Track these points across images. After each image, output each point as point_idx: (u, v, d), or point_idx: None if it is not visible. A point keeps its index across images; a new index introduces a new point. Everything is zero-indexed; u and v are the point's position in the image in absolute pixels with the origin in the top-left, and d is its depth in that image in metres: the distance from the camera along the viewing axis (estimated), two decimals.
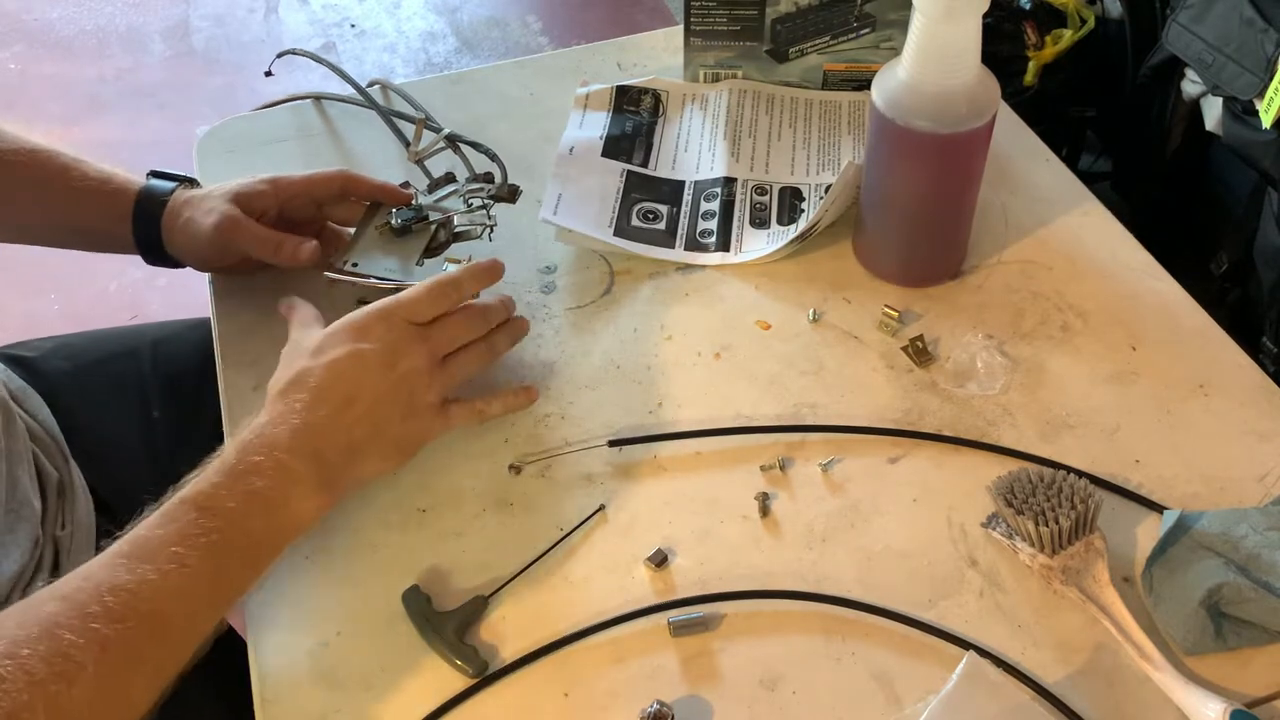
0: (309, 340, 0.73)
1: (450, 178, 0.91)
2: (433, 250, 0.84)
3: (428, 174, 0.92)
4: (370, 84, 1.06)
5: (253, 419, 0.69)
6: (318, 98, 1.07)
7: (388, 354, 0.72)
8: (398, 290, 0.79)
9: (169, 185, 0.87)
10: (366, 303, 0.82)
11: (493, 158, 0.93)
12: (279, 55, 1.08)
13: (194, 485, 0.64)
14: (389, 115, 1.02)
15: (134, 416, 0.95)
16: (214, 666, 0.79)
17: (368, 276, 0.82)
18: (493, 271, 0.78)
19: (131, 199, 0.86)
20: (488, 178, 0.91)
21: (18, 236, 0.91)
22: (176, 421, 0.95)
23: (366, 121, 1.04)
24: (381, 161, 1.00)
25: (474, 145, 0.95)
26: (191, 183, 0.89)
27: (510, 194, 0.89)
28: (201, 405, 0.89)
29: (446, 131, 0.96)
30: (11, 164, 0.86)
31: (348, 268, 0.82)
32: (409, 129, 1.00)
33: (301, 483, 0.67)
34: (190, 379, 0.96)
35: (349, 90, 1.05)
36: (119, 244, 0.87)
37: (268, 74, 1.10)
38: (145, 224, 0.86)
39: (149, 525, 0.62)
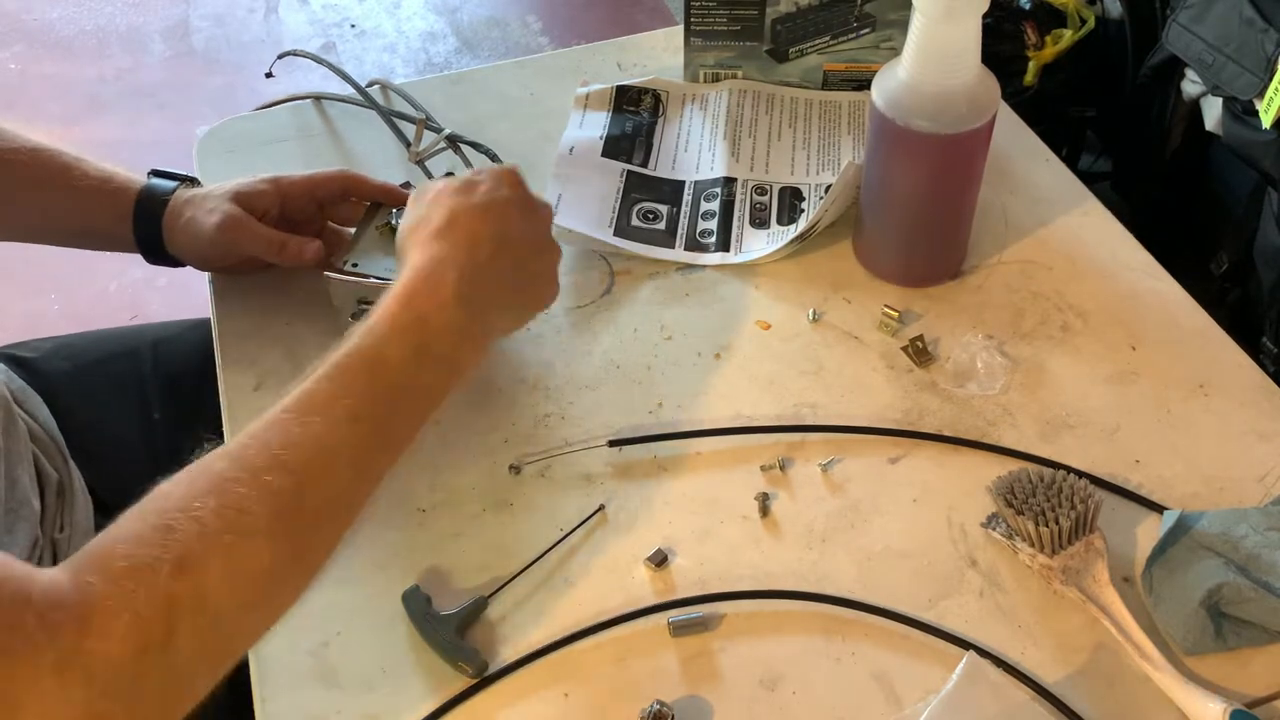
0: (448, 183, 0.72)
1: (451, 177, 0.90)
2: None
3: (428, 174, 0.92)
4: (370, 84, 1.06)
5: (408, 260, 0.68)
6: (318, 98, 1.07)
7: (525, 200, 0.73)
8: None
9: (170, 185, 0.87)
10: (368, 303, 0.82)
11: (493, 158, 0.93)
12: (280, 56, 1.08)
13: (360, 339, 0.63)
14: (389, 116, 1.02)
15: (134, 417, 0.95)
16: None
17: (368, 276, 0.82)
18: None
19: (132, 198, 0.86)
20: None
21: (20, 236, 0.91)
22: (177, 422, 0.95)
23: (367, 122, 1.04)
24: (381, 162, 1.00)
25: (474, 145, 0.95)
26: (193, 182, 0.89)
27: None
28: (202, 406, 0.89)
29: (447, 132, 0.96)
30: (12, 163, 0.86)
31: (348, 268, 0.82)
32: (409, 129, 0.99)
33: (467, 333, 0.67)
34: (190, 379, 0.96)
35: (349, 90, 1.05)
36: (120, 243, 0.87)
37: (268, 75, 1.10)
38: (146, 223, 0.86)
39: (317, 380, 0.61)
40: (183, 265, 0.89)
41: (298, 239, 0.84)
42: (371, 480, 0.62)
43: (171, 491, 0.55)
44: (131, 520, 0.53)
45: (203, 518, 0.53)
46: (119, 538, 0.52)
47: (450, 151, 0.96)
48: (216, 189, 0.86)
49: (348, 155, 1.02)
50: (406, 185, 0.88)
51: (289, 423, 0.58)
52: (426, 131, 0.97)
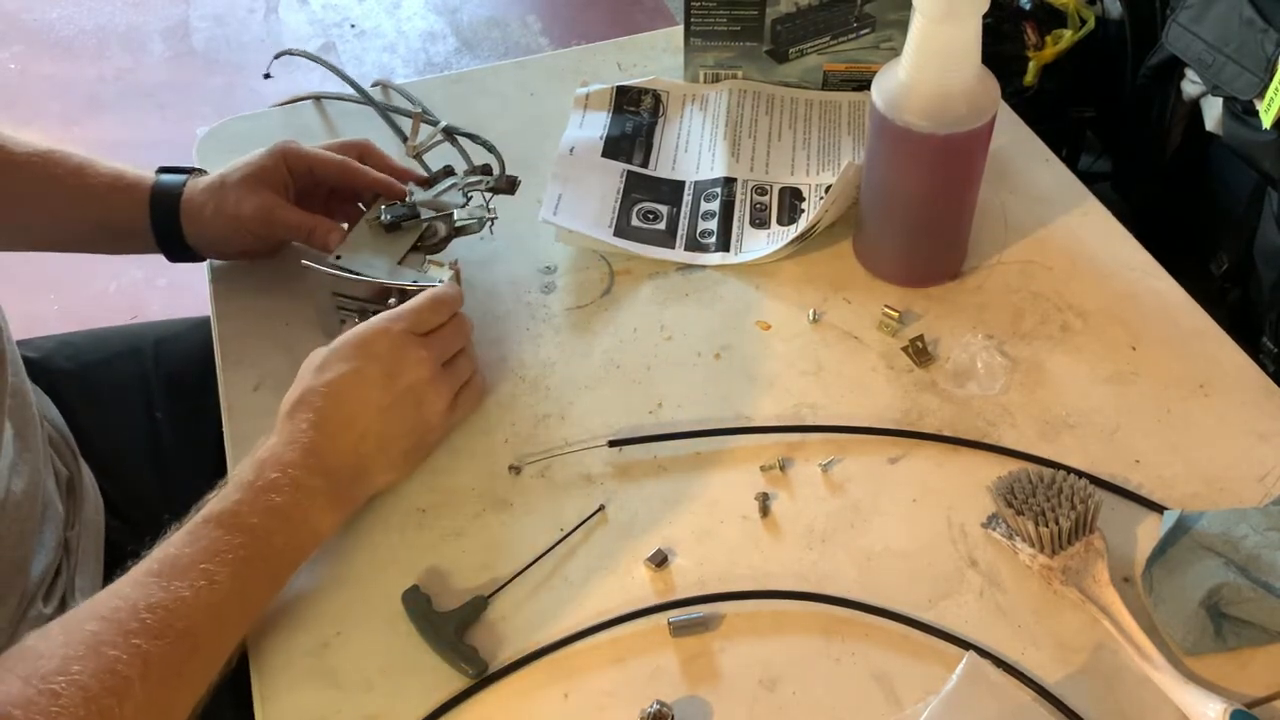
0: (316, 357, 0.74)
1: (449, 171, 0.90)
2: (432, 247, 0.84)
3: (426, 168, 0.92)
4: (374, 84, 1.06)
5: (266, 439, 0.70)
6: (326, 98, 1.07)
7: (391, 368, 0.73)
8: (375, 286, 0.80)
9: (180, 178, 0.88)
10: (343, 295, 0.82)
11: (490, 149, 0.92)
12: (276, 56, 1.08)
13: (216, 503, 0.66)
14: (386, 111, 1.02)
15: (137, 415, 0.95)
16: None
17: (347, 270, 0.81)
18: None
19: (146, 192, 0.87)
20: (486, 170, 0.90)
21: (37, 241, 0.92)
22: (179, 420, 0.95)
23: (367, 121, 1.04)
24: None
25: (471, 137, 0.94)
26: (199, 173, 0.89)
27: (509, 185, 0.89)
28: (204, 404, 0.89)
29: (444, 124, 0.95)
30: (25, 165, 0.86)
31: (332, 258, 0.82)
32: (405, 125, 0.99)
33: (317, 498, 0.69)
34: (193, 378, 0.96)
35: (351, 90, 1.05)
36: (137, 239, 0.87)
37: (266, 76, 1.11)
38: (163, 216, 0.86)
39: (177, 544, 0.64)
40: (200, 259, 0.89)
41: (324, 225, 0.84)
42: (235, 634, 0.66)
43: (47, 651, 0.58)
44: (14, 683, 0.56)
45: (84, 683, 0.56)
46: (10, 701, 0.55)
47: (448, 144, 0.96)
48: (231, 175, 0.85)
49: None
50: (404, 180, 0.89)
51: (153, 586, 0.62)
52: (424, 125, 0.97)
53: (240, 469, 0.68)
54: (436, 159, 0.94)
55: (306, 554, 0.69)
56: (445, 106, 1.04)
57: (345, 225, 0.85)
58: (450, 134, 0.95)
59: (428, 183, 0.89)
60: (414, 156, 0.94)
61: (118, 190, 0.87)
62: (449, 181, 0.89)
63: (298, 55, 1.10)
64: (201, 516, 0.65)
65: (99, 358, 0.98)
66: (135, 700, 0.57)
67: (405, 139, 0.97)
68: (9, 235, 0.91)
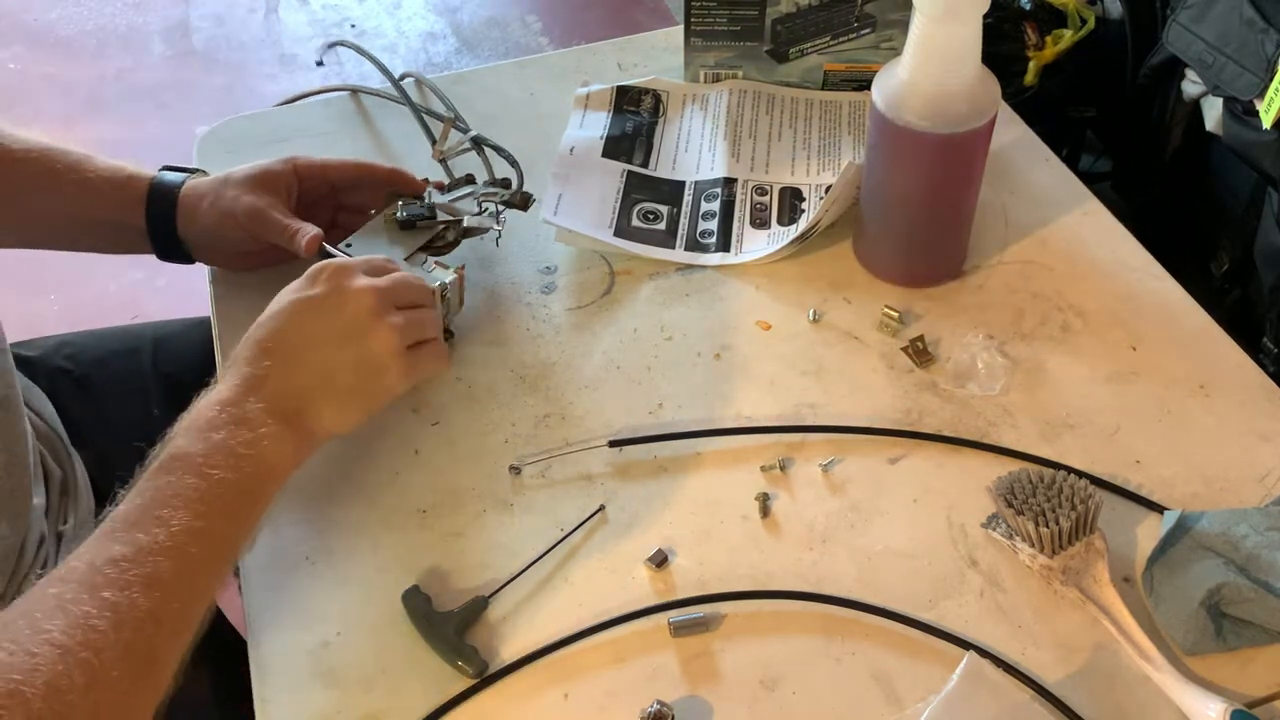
0: (283, 301, 0.72)
1: (469, 179, 0.91)
2: (439, 248, 0.84)
3: (449, 174, 0.92)
4: (403, 77, 1.06)
5: (233, 367, 0.70)
6: (354, 90, 1.08)
7: (333, 297, 0.71)
8: None
9: (180, 176, 0.88)
10: None
11: (513, 164, 0.92)
12: (330, 46, 1.12)
13: (162, 448, 0.65)
14: (421, 112, 1.02)
15: (136, 414, 0.95)
16: (213, 666, 0.79)
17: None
18: None
19: (144, 187, 0.86)
20: (505, 183, 0.91)
21: (33, 236, 0.92)
22: (177, 419, 0.95)
23: (371, 120, 1.04)
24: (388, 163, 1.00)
25: (498, 149, 0.94)
26: (201, 174, 0.89)
27: (523, 201, 0.89)
28: None
29: (473, 134, 0.95)
30: (23, 160, 0.86)
31: (341, 246, 0.82)
32: (435, 127, 0.99)
33: (263, 430, 0.66)
34: (191, 377, 0.96)
35: (332, 96, 1.05)
36: (132, 235, 0.87)
37: (319, 64, 1.13)
38: (158, 212, 0.86)
39: (129, 497, 0.63)
40: (192, 261, 0.89)
41: (306, 229, 0.83)
42: (205, 581, 0.63)
43: (12, 620, 0.56)
44: None
45: (56, 640, 0.55)
46: None
47: (473, 152, 0.96)
48: (236, 173, 0.85)
49: (348, 155, 1.02)
50: (424, 180, 0.89)
51: (111, 539, 0.60)
52: (453, 131, 0.97)
53: (189, 411, 0.67)
54: (459, 166, 0.94)
55: (268, 489, 0.67)
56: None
57: (317, 233, 0.85)
58: (478, 144, 0.95)
59: (446, 189, 0.89)
60: (439, 160, 0.94)
61: (115, 183, 0.86)
62: (466, 189, 0.89)
63: (348, 47, 1.14)
64: (147, 471, 0.64)
65: (98, 357, 0.98)
66: (114, 651, 0.56)
67: (434, 141, 0.97)
68: (6, 231, 0.90)
